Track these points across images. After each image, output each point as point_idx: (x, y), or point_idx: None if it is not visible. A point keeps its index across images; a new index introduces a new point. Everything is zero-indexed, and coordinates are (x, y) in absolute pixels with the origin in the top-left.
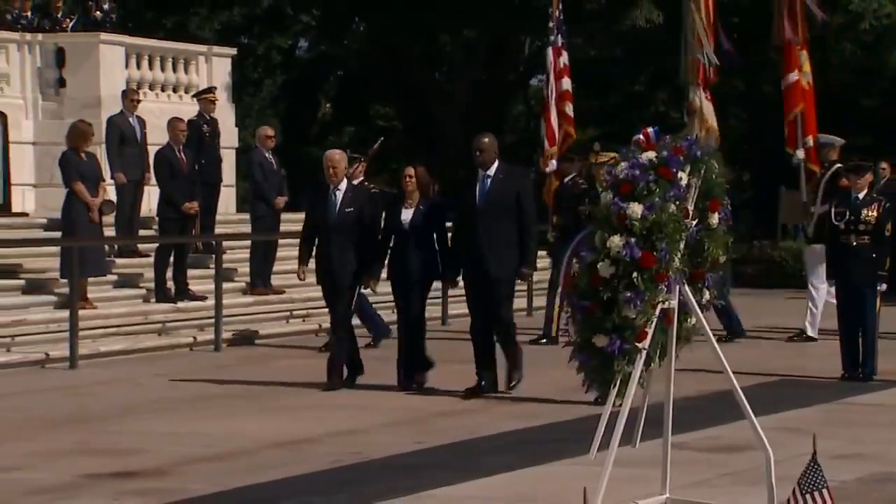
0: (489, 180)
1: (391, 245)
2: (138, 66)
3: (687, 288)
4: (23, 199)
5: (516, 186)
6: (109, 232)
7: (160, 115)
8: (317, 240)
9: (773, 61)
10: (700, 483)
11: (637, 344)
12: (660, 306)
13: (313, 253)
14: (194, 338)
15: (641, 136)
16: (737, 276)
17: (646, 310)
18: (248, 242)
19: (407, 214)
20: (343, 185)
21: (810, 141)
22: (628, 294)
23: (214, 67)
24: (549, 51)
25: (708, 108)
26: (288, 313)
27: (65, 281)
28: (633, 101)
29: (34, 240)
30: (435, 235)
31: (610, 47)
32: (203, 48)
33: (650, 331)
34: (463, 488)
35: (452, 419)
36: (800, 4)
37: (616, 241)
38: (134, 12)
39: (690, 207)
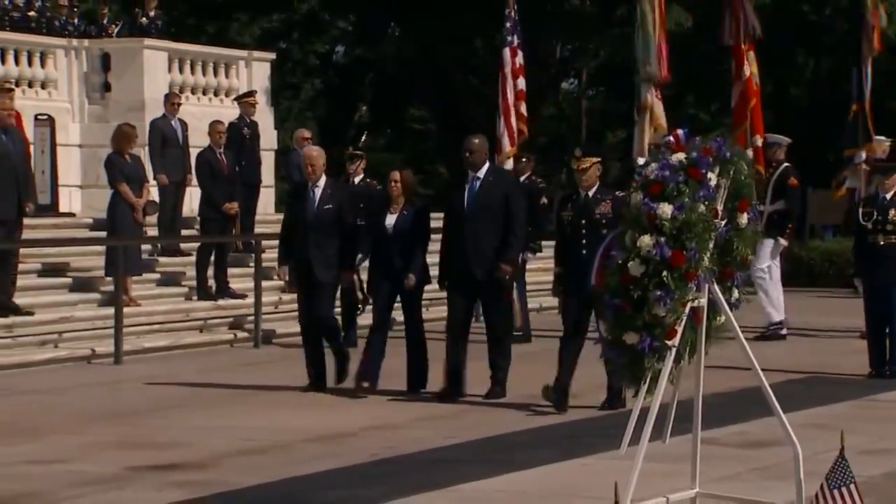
0: (478, 182)
1: (376, 249)
2: (181, 70)
3: (716, 286)
4: (70, 200)
5: (505, 189)
6: (153, 232)
7: (201, 117)
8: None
9: (800, 65)
10: (729, 478)
11: (667, 341)
12: (689, 304)
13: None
14: (234, 334)
15: (671, 138)
16: None
17: (676, 308)
18: None
19: (391, 219)
20: (322, 181)
21: (758, 140)
22: (658, 293)
23: (254, 72)
24: (506, 51)
25: (658, 107)
26: None
27: (110, 279)
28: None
29: (80, 239)
30: (419, 240)
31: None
32: (243, 53)
33: (680, 328)
34: (495, 482)
35: (484, 415)
36: (744, 7)
37: (646, 240)
38: (177, 18)
39: (720, 208)
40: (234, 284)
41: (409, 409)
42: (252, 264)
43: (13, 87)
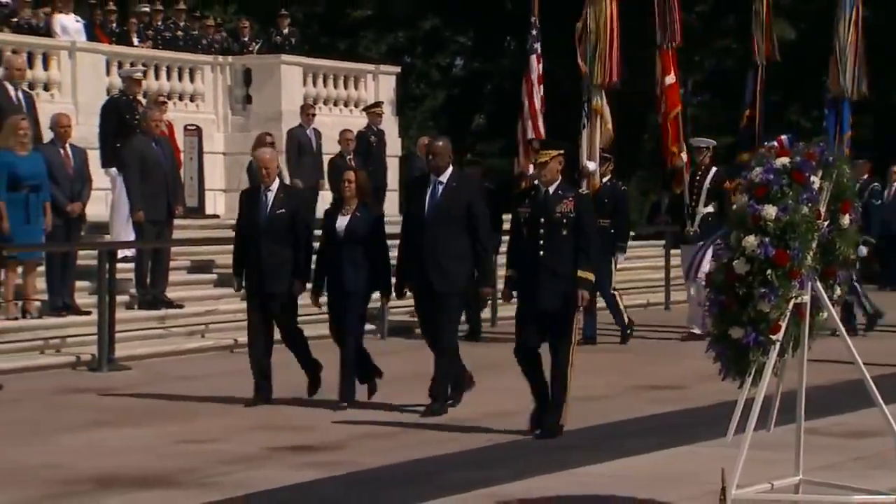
0: (441, 187)
1: (327, 253)
2: (314, 83)
3: (819, 284)
4: (215, 203)
5: (467, 195)
6: None
7: (333, 127)
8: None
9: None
10: (831, 466)
11: (771, 336)
12: (793, 301)
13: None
14: None
15: (776, 143)
16: (866, 275)
17: (780, 304)
18: None
19: (342, 221)
20: (275, 185)
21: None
22: (763, 290)
23: (381, 84)
24: (532, 58)
25: (607, 111)
26: None
27: None
28: (766, 110)
29: (225, 239)
30: (374, 245)
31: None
32: (371, 67)
33: (784, 324)
34: (606, 467)
35: (595, 404)
36: (673, 7)
37: (751, 240)
38: (311, 36)
39: (822, 209)
40: None
41: (526, 397)
42: None
43: (166, 100)
